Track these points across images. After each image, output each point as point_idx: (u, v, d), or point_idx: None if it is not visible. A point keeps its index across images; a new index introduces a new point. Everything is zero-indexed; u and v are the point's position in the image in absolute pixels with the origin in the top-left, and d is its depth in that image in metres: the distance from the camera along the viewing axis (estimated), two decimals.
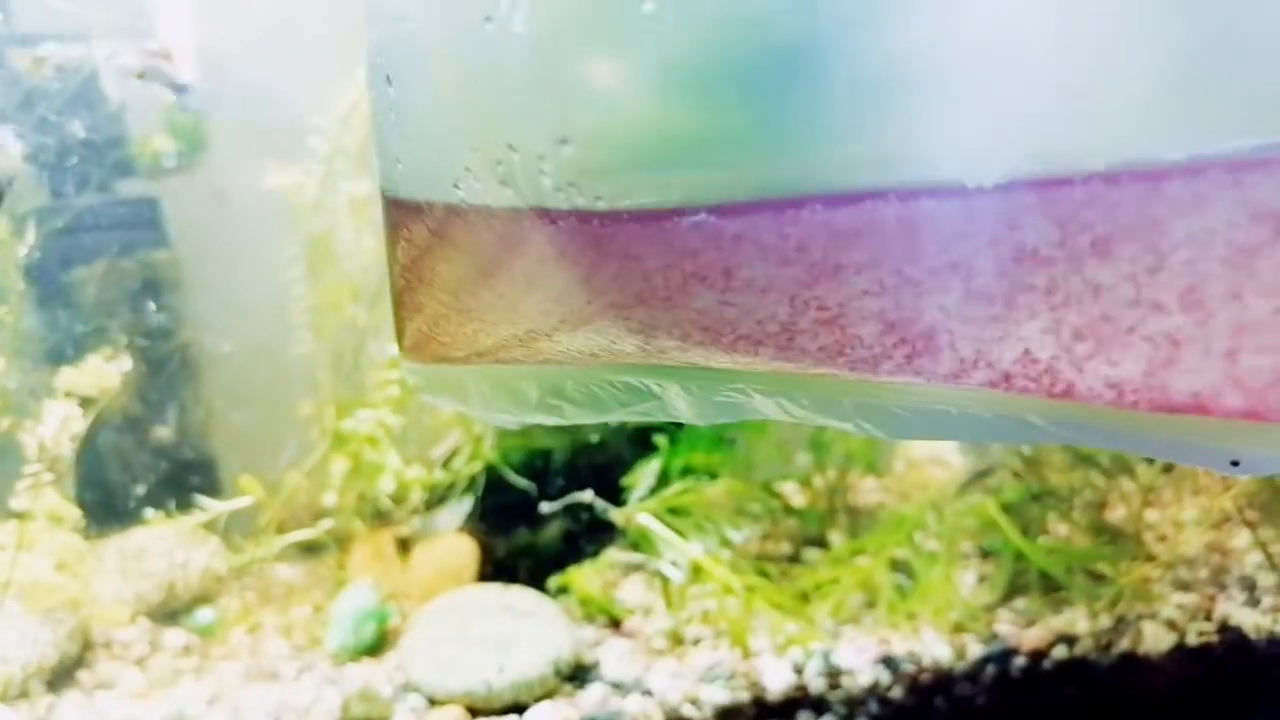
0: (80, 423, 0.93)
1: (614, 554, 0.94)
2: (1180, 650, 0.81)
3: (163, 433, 1.03)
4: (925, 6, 0.25)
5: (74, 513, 0.93)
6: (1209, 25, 0.24)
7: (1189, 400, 0.25)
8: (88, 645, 0.92)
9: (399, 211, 0.38)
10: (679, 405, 0.36)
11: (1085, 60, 0.24)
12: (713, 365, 0.32)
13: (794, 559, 0.97)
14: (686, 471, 0.95)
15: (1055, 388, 0.27)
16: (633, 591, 0.96)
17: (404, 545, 1.00)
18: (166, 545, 0.98)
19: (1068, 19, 0.25)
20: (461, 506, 0.98)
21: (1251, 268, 0.24)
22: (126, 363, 0.99)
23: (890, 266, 0.27)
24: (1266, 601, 0.86)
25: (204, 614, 0.97)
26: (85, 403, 0.96)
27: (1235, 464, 0.26)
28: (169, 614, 0.98)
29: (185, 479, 1.01)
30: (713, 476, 0.95)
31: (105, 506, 0.98)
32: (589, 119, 0.28)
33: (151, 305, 1.02)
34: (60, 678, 0.88)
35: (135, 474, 1.01)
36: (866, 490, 1.08)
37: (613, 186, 0.28)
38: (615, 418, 0.39)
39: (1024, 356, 0.27)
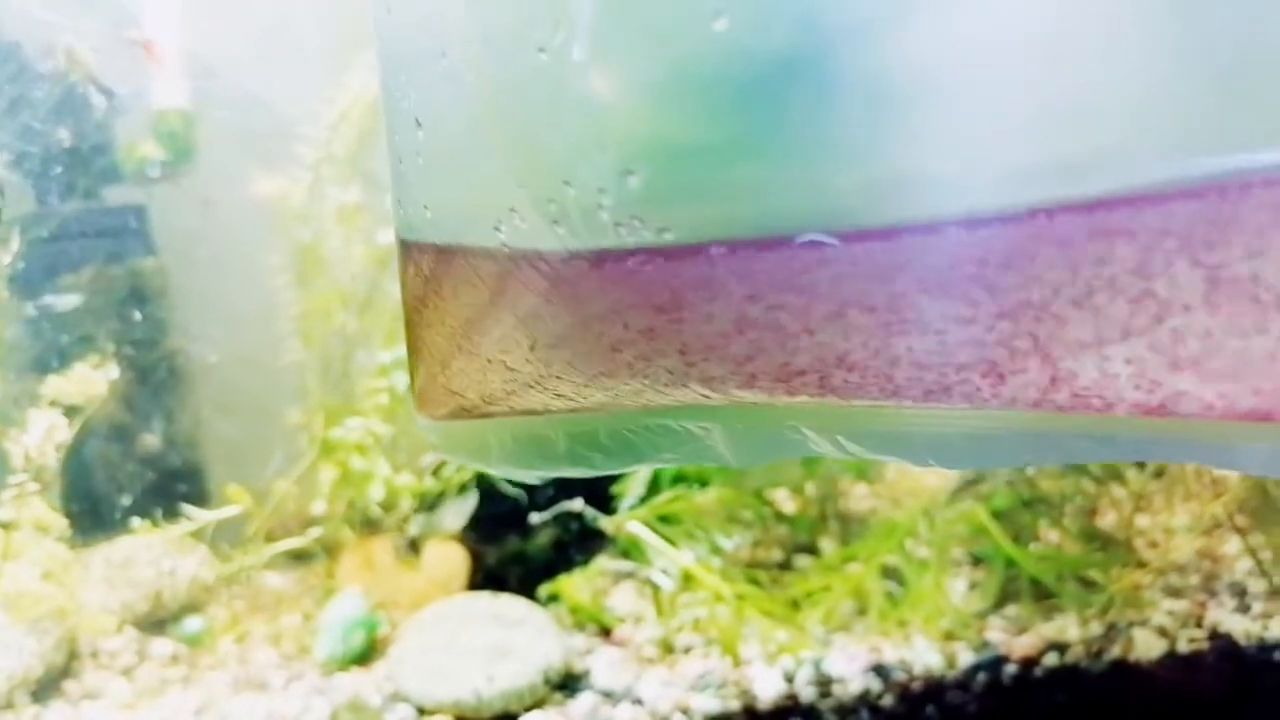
0: (65, 431, 0.92)
1: (604, 562, 0.94)
2: (1171, 657, 0.81)
3: (150, 441, 1.02)
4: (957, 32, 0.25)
5: (60, 522, 0.93)
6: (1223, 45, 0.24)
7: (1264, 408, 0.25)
8: (74, 655, 0.92)
9: (423, 259, 0.36)
10: (721, 448, 0.35)
11: (1095, 79, 0.24)
12: (763, 403, 0.31)
13: (785, 566, 0.97)
14: (677, 479, 0.95)
15: (1139, 407, 0.26)
16: (623, 600, 0.95)
17: (413, 546, 0.99)
18: (154, 554, 0.97)
19: (1081, 40, 0.25)
20: (465, 504, 0.97)
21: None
22: (114, 371, 0.98)
23: (958, 296, 0.26)
24: (1257, 608, 0.86)
25: (192, 623, 0.96)
26: (72, 411, 0.96)
27: None
28: (156, 623, 0.97)
29: (173, 488, 1.01)
30: (703, 484, 0.95)
31: (92, 515, 0.98)
32: (655, 148, 0.27)
33: (138, 313, 1.02)
34: (46, 688, 0.87)
35: (122, 483, 1.00)
36: (858, 497, 1.08)
37: (680, 218, 0.27)
38: (651, 465, 0.37)
39: (1084, 376, 0.26)
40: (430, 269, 0.36)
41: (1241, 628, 0.83)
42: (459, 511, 0.97)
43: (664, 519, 0.92)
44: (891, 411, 0.29)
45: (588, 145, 0.27)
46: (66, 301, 0.97)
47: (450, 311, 0.35)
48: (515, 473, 0.40)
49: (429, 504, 1.00)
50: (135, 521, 0.95)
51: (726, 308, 0.28)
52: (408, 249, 0.37)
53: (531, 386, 0.34)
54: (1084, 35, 0.24)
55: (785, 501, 1.04)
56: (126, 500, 0.99)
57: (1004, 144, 0.25)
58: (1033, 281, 0.25)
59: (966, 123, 0.25)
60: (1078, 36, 0.24)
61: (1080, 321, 0.25)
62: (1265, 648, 0.81)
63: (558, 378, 0.33)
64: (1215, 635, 0.82)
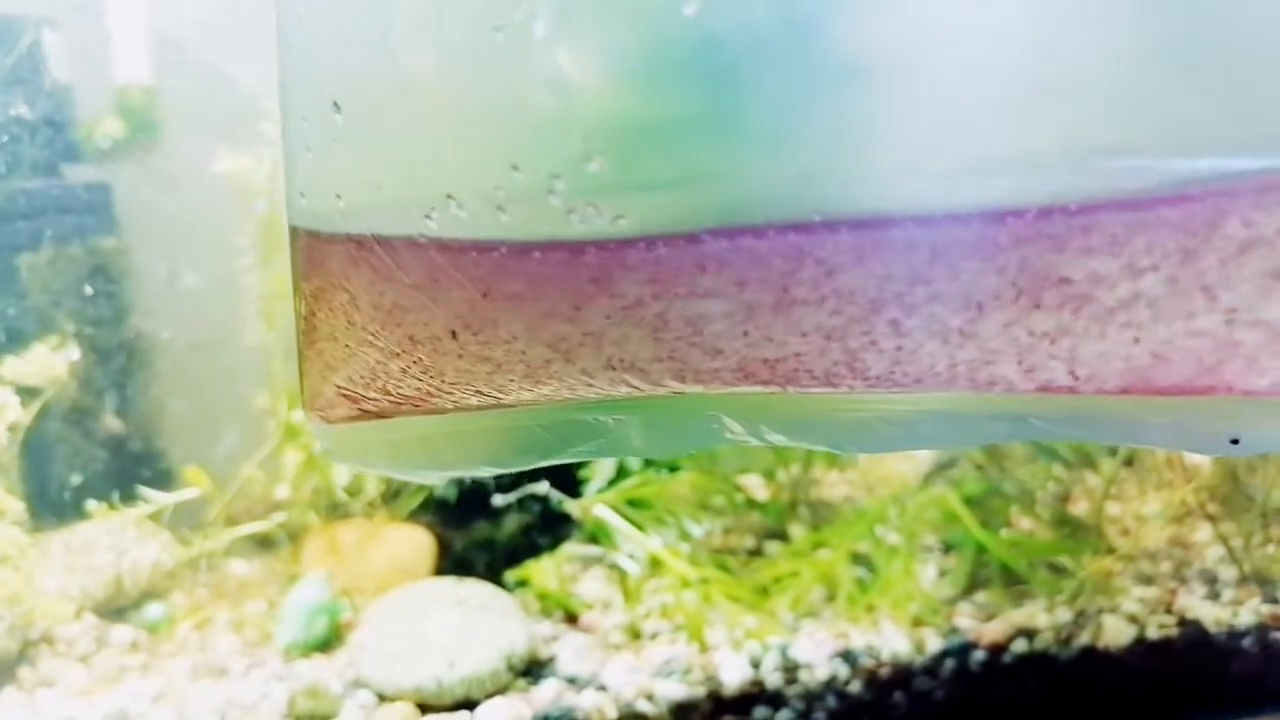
0: (17, 410, 0.90)
1: (572, 547, 0.93)
2: (1140, 643, 0.80)
3: (111, 424, 1.01)
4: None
5: (16, 505, 0.91)
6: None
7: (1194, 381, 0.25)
8: (29, 642, 0.90)
9: (327, 248, 0.34)
10: (635, 440, 0.34)
11: (1055, 74, 0.24)
12: (686, 392, 0.30)
13: (756, 553, 0.96)
14: (647, 464, 0.94)
15: (1059, 385, 0.26)
16: (592, 585, 0.94)
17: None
18: (114, 539, 0.96)
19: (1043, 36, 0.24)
20: None
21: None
22: (74, 352, 0.97)
23: (901, 283, 0.26)
24: (1227, 595, 0.85)
25: (153, 610, 0.95)
26: (30, 393, 0.94)
27: (1235, 442, 0.26)
28: (116, 610, 0.96)
29: (134, 471, 0.99)
30: (673, 469, 0.94)
31: (50, 499, 0.96)
32: (618, 132, 0.26)
33: (99, 294, 1.00)
34: None
35: (82, 466, 0.98)
36: (832, 484, 1.07)
37: (637, 205, 0.26)
38: (557, 460, 0.36)
39: (1027, 358, 0.26)
40: (335, 261, 0.34)
41: (1211, 614, 0.82)
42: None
43: (634, 503, 0.91)
44: (811, 399, 0.29)
45: (545, 128, 0.26)
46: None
47: (358, 307, 0.33)
48: (411, 475, 0.38)
49: (392, 491, 0.98)
50: (94, 505, 0.93)
51: (677, 299, 0.27)
52: (307, 239, 0.35)
53: (452, 385, 0.33)
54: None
55: (758, 488, 1.03)
56: (86, 483, 0.97)
57: (948, 141, 0.25)
58: (955, 274, 0.25)
59: (914, 119, 0.25)
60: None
61: (997, 309, 0.25)
62: (1234, 634, 0.81)
63: (485, 375, 0.32)
64: (1185, 622, 0.82)
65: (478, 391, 0.32)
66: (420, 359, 0.33)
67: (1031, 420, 0.27)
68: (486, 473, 0.37)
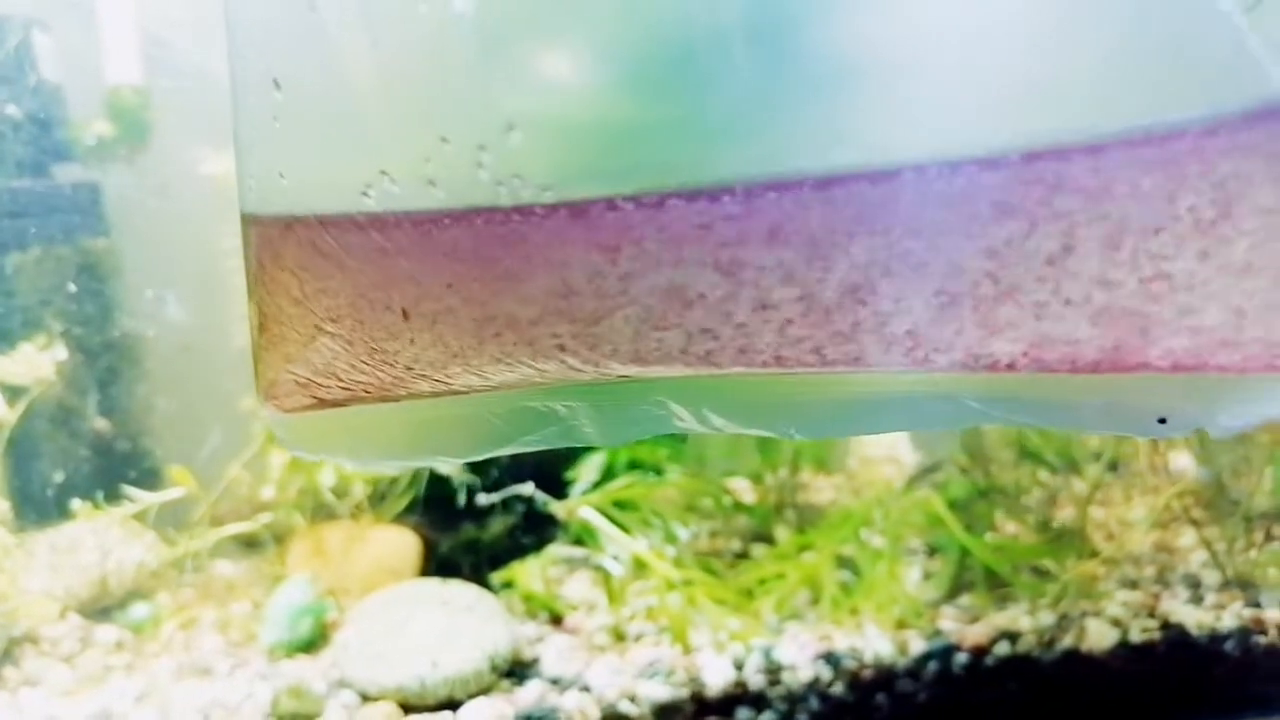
0: (4, 411, 0.90)
1: (557, 549, 0.93)
2: (1123, 647, 0.80)
3: (98, 424, 1.01)
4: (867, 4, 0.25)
5: (2, 505, 0.91)
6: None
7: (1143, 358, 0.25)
8: (13, 642, 0.90)
9: (276, 233, 0.34)
10: (586, 427, 0.34)
11: (1018, 45, 0.24)
12: (631, 376, 0.30)
13: (743, 555, 0.96)
14: (633, 466, 0.94)
15: (996, 363, 0.27)
16: (576, 587, 0.94)
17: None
18: (99, 539, 0.96)
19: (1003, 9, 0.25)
20: None
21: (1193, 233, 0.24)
22: (61, 352, 0.97)
23: (837, 256, 0.26)
24: (1209, 599, 0.86)
25: (138, 610, 0.95)
26: (17, 392, 0.94)
27: (1163, 421, 0.27)
28: (101, 610, 0.96)
29: (121, 471, 0.99)
30: (659, 471, 0.94)
31: (36, 498, 0.96)
32: (539, 104, 0.26)
33: (88, 294, 1.00)
34: None
35: (68, 466, 0.98)
36: (818, 487, 1.08)
37: (563, 176, 0.26)
38: (510, 450, 0.36)
39: (963, 336, 0.26)
40: (284, 244, 0.33)
41: (1194, 618, 0.82)
42: None
43: (620, 505, 0.91)
44: (753, 383, 0.29)
45: (467, 101, 0.26)
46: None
47: (307, 291, 0.33)
48: (368, 465, 0.38)
49: (379, 493, 0.98)
50: (75, 504, 0.93)
51: (608, 272, 0.27)
52: (257, 225, 0.35)
53: (405, 369, 0.33)
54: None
55: (745, 492, 1.03)
56: (72, 483, 0.97)
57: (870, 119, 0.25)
58: (881, 249, 0.25)
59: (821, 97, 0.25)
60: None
61: (929, 293, 0.26)
62: (1217, 638, 0.81)
63: (427, 357, 0.32)
64: (1167, 625, 0.82)
65: (427, 377, 0.32)
66: (369, 342, 0.33)
67: (969, 402, 0.27)
68: (442, 463, 0.37)
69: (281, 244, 0.34)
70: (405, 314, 0.31)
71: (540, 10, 0.26)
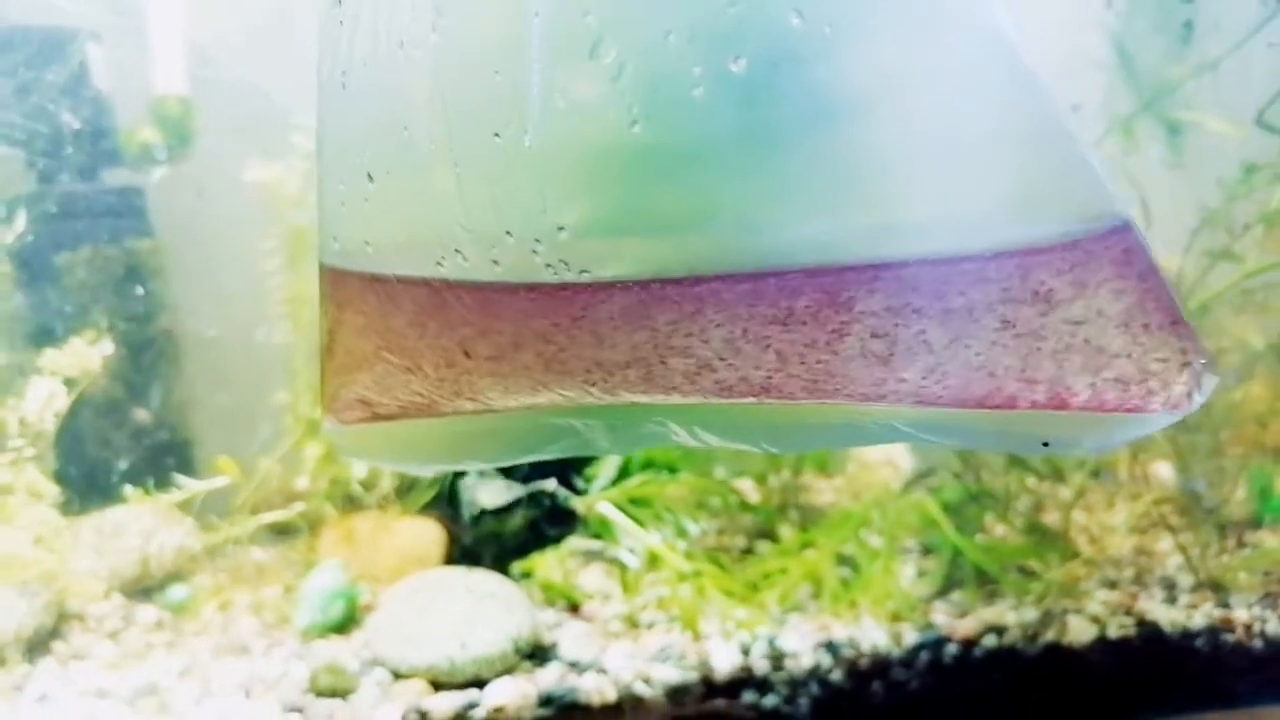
0: (64, 399, 0.96)
1: (575, 542, 0.99)
2: (1101, 642, 0.86)
3: (142, 414, 1.06)
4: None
5: (53, 489, 0.96)
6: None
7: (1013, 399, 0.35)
8: (62, 618, 0.96)
9: (355, 283, 0.42)
10: (600, 440, 0.42)
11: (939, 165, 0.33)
12: (639, 402, 0.38)
13: (748, 551, 1.02)
14: (648, 465, 1.00)
15: (920, 399, 0.36)
16: (592, 578, 1.00)
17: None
18: (142, 524, 1.01)
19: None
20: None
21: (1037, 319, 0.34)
22: (108, 346, 1.02)
23: (817, 323, 0.35)
24: (1183, 600, 0.92)
25: (177, 591, 1.00)
26: (67, 383, 0.99)
27: (1046, 445, 0.36)
28: (143, 590, 1.01)
29: (163, 460, 1.05)
30: (672, 470, 1.00)
31: (84, 484, 1.01)
32: (581, 213, 0.35)
33: (134, 291, 1.05)
34: (35, 648, 0.91)
35: (114, 453, 1.04)
36: (820, 489, 1.14)
37: (597, 263, 0.35)
38: (537, 457, 0.44)
39: (900, 377, 0.35)
40: (360, 293, 0.41)
41: (1168, 617, 0.89)
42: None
43: (635, 502, 0.97)
44: (734, 409, 0.38)
45: (530, 208, 0.35)
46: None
47: (376, 328, 0.41)
48: (410, 468, 0.46)
49: (406, 485, 1.04)
50: (127, 490, 0.98)
51: (626, 330, 0.36)
52: (337, 276, 0.43)
53: (453, 393, 0.40)
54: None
55: (751, 491, 1.09)
56: (118, 470, 1.03)
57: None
58: (846, 319, 0.34)
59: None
60: None
61: (881, 347, 0.35)
62: (1188, 635, 0.87)
63: (479, 385, 0.40)
64: (1143, 623, 0.88)
65: (472, 399, 0.40)
66: (429, 373, 0.41)
67: (901, 427, 0.37)
68: (474, 467, 0.45)
69: (358, 292, 0.42)
70: (467, 353, 0.39)
71: (584, 139, 0.34)
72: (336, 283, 0.43)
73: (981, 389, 0.34)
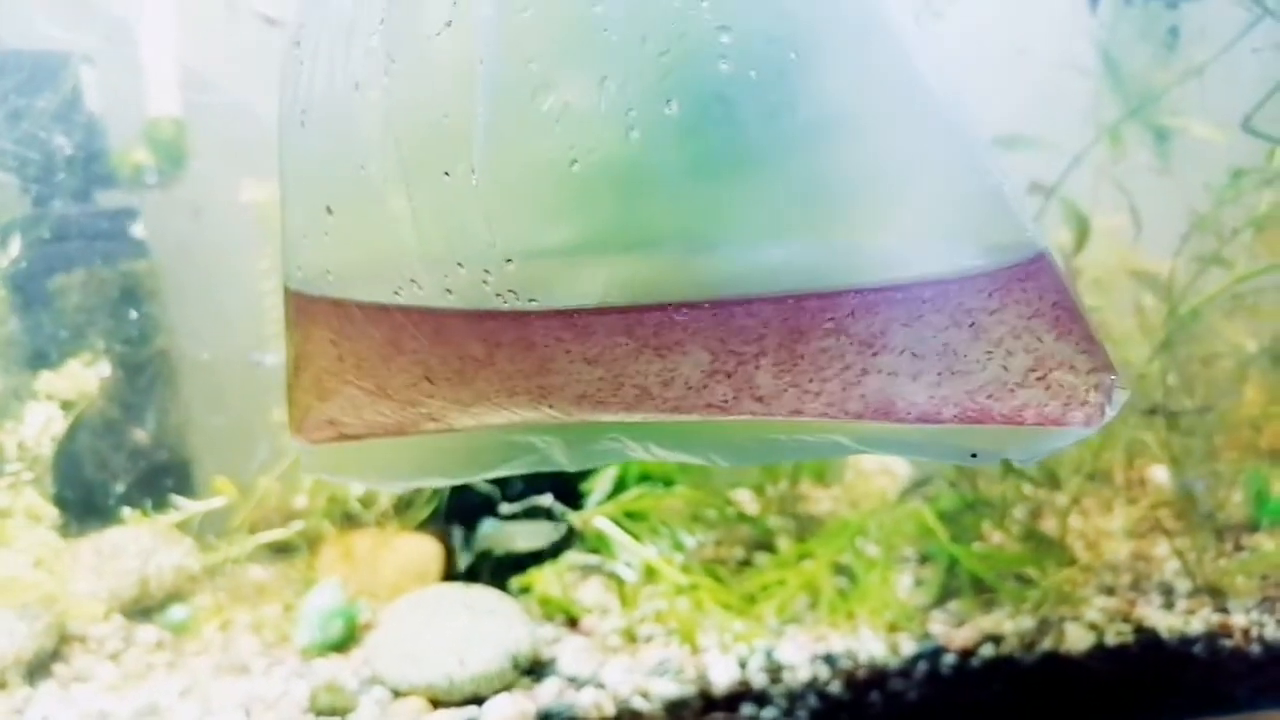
0: (61, 423, 0.96)
1: (573, 556, 0.99)
2: (1099, 649, 0.86)
3: (139, 436, 1.07)
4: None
5: (51, 512, 0.97)
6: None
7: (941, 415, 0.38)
8: (63, 640, 0.96)
9: (318, 308, 0.43)
10: (558, 456, 0.44)
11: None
12: (597, 420, 0.40)
13: (746, 562, 1.03)
14: (643, 478, 1.00)
15: (856, 415, 0.38)
16: (591, 592, 1.00)
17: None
18: (141, 544, 1.02)
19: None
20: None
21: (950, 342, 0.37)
22: (105, 368, 1.03)
23: (766, 343, 0.37)
24: (1181, 605, 0.92)
25: (177, 611, 1.01)
26: (64, 406, 1.00)
27: (974, 456, 0.39)
28: (143, 611, 1.01)
29: (161, 481, 1.05)
30: (668, 484, 1.00)
31: (82, 506, 1.02)
32: (527, 246, 0.37)
33: (130, 313, 1.06)
34: (36, 671, 0.91)
35: (112, 475, 1.04)
36: (818, 499, 1.14)
37: (544, 292, 0.37)
38: (497, 474, 0.46)
39: (834, 394, 0.37)
40: (323, 316, 0.43)
41: (1166, 623, 0.89)
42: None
43: (631, 516, 0.97)
44: (682, 425, 0.40)
45: (480, 241, 0.37)
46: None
47: (341, 351, 0.43)
48: (376, 484, 0.47)
49: (404, 502, 1.04)
50: (125, 512, 0.99)
51: (577, 354, 0.38)
52: (301, 300, 0.45)
53: (416, 414, 0.42)
54: None
55: (748, 503, 1.10)
56: (116, 491, 1.03)
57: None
58: (795, 343, 0.37)
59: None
60: None
61: (825, 365, 0.37)
62: (1186, 641, 0.87)
63: (439, 407, 0.41)
64: (1141, 629, 0.88)
65: (435, 420, 0.42)
66: (390, 394, 0.42)
67: (843, 440, 0.39)
68: (437, 483, 0.46)
69: (321, 316, 0.44)
70: (428, 379, 0.41)
71: (527, 177, 0.37)
72: (301, 307, 0.45)
73: (911, 405, 0.37)
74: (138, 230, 1.08)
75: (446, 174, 0.37)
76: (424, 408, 0.42)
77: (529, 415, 0.40)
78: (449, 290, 0.38)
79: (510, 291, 0.37)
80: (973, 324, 0.36)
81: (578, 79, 0.35)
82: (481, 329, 0.38)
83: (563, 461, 0.44)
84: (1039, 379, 0.37)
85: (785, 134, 0.35)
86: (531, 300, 0.37)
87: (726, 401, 0.38)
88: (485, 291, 0.37)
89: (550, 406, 0.39)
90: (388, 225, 0.39)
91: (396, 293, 0.39)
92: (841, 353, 0.36)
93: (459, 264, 0.37)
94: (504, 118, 0.35)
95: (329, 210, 0.40)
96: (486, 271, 0.37)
